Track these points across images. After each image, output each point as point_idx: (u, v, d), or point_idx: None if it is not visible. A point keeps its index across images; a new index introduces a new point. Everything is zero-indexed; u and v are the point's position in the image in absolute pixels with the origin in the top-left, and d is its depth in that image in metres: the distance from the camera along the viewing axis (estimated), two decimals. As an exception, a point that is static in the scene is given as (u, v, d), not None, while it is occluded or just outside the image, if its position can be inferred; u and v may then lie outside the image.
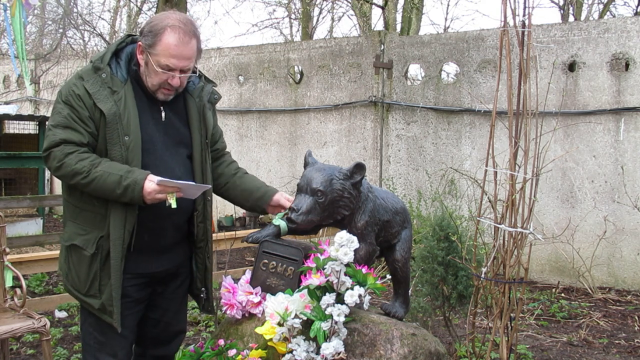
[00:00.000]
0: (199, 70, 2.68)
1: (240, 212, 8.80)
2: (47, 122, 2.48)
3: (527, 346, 4.57)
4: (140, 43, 2.42)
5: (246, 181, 2.78)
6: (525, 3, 2.95)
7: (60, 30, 13.19)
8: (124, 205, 2.37)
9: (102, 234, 2.40)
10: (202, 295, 2.69)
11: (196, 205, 2.57)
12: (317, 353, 2.23)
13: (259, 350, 2.34)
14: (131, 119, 2.38)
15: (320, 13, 17.27)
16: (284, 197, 2.69)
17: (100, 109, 2.35)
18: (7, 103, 11.03)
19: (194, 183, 2.46)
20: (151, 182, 2.30)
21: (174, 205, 2.34)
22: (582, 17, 13.87)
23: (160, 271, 2.58)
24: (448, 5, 28.01)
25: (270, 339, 2.28)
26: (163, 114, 2.52)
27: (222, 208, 8.95)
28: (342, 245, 2.29)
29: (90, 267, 2.43)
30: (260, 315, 2.45)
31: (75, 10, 13.43)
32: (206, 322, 5.00)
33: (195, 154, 2.58)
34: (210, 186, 2.56)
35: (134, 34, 2.59)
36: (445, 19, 29.19)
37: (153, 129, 2.47)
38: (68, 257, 2.52)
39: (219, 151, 2.81)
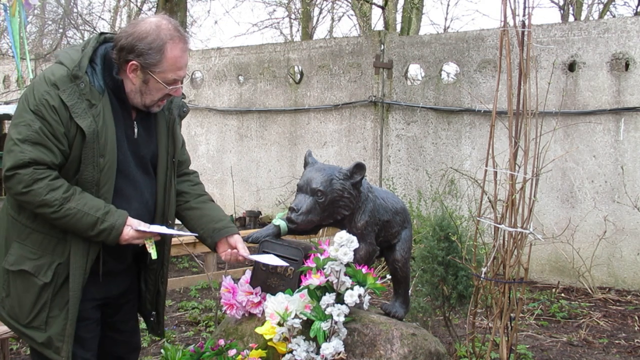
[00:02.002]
0: None
1: (240, 212, 8.80)
2: (10, 131, 2.14)
3: (527, 346, 4.57)
4: (134, 62, 2.18)
5: (211, 208, 2.52)
6: (525, 3, 2.96)
7: (60, 30, 13.19)
8: None
9: (60, 260, 2.18)
10: (152, 319, 2.54)
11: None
12: (317, 353, 2.23)
13: (259, 350, 2.34)
14: (108, 138, 2.17)
15: (320, 13, 17.30)
16: (242, 243, 2.43)
17: (77, 125, 2.11)
18: (7, 103, 11.03)
19: (175, 231, 2.33)
20: (129, 228, 2.17)
21: (154, 256, 2.24)
22: (582, 17, 13.88)
23: (115, 294, 2.42)
24: (448, 5, 28.05)
25: (270, 339, 2.28)
26: (136, 130, 2.31)
27: (222, 208, 8.95)
28: (342, 245, 2.29)
29: (39, 297, 2.18)
30: (260, 315, 2.45)
31: (75, 10, 13.43)
32: (206, 322, 5.00)
33: (159, 173, 2.38)
34: (195, 235, 2.38)
35: (106, 32, 2.35)
36: (445, 19, 29.22)
37: (126, 147, 2.27)
38: (10, 281, 2.22)
39: (182, 164, 2.55)
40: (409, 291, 2.82)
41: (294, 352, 2.24)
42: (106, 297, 2.37)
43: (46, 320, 2.19)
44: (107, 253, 2.27)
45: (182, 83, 2.30)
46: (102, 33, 2.32)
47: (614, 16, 13.24)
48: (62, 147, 2.12)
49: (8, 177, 2.10)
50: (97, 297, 2.32)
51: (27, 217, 2.20)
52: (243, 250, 2.41)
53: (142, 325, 2.73)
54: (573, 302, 5.91)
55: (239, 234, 2.46)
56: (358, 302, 2.30)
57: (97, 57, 2.23)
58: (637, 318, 5.42)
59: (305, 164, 2.55)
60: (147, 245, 2.24)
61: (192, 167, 2.66)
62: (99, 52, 2.24)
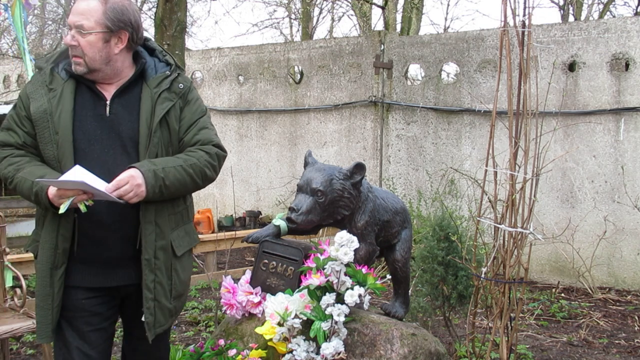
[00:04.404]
0: (173, 59, 2.42)
1: (240, 212, 8.80)
2: None
3: (527, 346, 4.57)
4: None
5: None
6: (525, 3, 2.96)
7: (60, 30, 13.19)
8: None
9: (38, 236, 2.33)
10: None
11: (142, 214, 2.25)
12: (317, 353, 2.23)
13: (259, 350, 2.35)
14: (62, 116, 2.24)
15: (320, 13, 17.30)
16: (128, 174, 2.16)
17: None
18: (7, 103, 11.02)
19: (80, 180, 2.08)
20: (52, 187, 2.16)
21: (83, 209, 2.15)
22: (582, 17, 13.88)
23: (118, 287, 2.33)
24: (448, 5, 28.07)
25: (270, 339, 2.28)
26: (107, 109, 2.29)
27: (222, 208, 8.96)
28: (342, 245, 2.29)
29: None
30: (260, 315, 2.45)
31: (75, 10, 13.42)
32: (206, 322, 5.00)
33: (140, 150, 2.28)
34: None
35: None
36: (445, 19, 29.22)
37: (94, 125, 2.27)
38: None
39: (198, 144, 2.39)
40: (409, 291, 2.82)
41: (294, 352, 2.24)
42: (102, 287, 2.30)
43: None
44: (82, 234, 2.25)
45: (80, 34, 2.21)
46: None
47: (614, 16, 13.24)
48: (25, 129, 2.29)
49: None
50: (89, 287, 2.28)
51: None
52: (116, 182, 2.14)
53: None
54: (573, 302, 5.91)
55: (136, 168, 2.18)
56: (358, 302, 2.30)
57: None
58: (637, 318, 5.42)
59: (305, 164, 2.55)
60: (77, 204, 2.11)
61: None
62: None
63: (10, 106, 9.47)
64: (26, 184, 2.20)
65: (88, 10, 2.21)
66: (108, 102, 2.30)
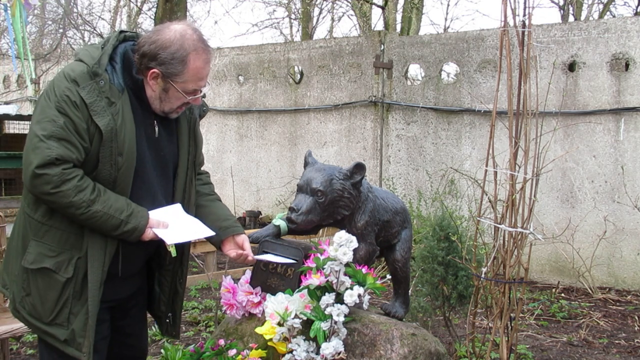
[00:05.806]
0: None
1: (240, 212, 8.80)
2: (33, 128, 2.09)
3: (527, 346, 4.57)
4: (156, 70, 2.16)
5: (218, 206, 2.51)
6: (525, 3, 2.96)
7: (60, 30, 13.20)
8: None
9: (79, 255, 2.15)
10: (167, 320, 2.51)
11: None
12: (317, 353, 2.23)
13: (259, 350, 2.35)
14: (127, 137, 2.13)
15: (320, 13, 17.31)
16: (249, 243, 2.43)
17: (96, 123, 2.07)
18: (7, 103, 11.03)
19: (192, 237, 2.30)
20: (150, 230, 2.19)
21: (174, 254, 2.23)
22: (582, 17, 13.88)
23: (125, 297, 2.40)
24: (448, 5, 28.02)
25: (270, 339, 2.28)
26: (157, 130, 2.28)
27: (222, 208, 8.95)
28: (341, 245, 2.29)
29: (61, 293, 2.15)
30: (260, 315, 2.45)
31: (75, 10, 13.44)
32: (206, 322, 5.00)
33: (180, 173, 2.37)
34: (213, 233, 2.34)
35: (126, 30, 2.31)
36: (445, 19, 29.20)
37: (145, 146, 2.23)
38: (30, 280, 2.18)
39: (198, 165, 2.55)
40: (409, 291, 2.82)
41: (294, 352, 2.24)
42: (115, 299, 2.33)
43: (68, 317, 2.16)
44: (120, 254, 2.24)
45: (201, 92, 2.28)
46: (122, 31, 2.29)
47: (614, 16, 13.23)
48: (84, 144, 2.08)
49: (36, 175, 2.04)
50: (107, 299, 2.27)
51: (43, 214, 2.16)
52: (250, 250, 2.41)
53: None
54: (573, 302, 5.91)
55: (245, 233, 2.44)
56: (357, 302, 2.30)
57: (117, 56, 2.20)
58: (637, 318, 5.42)
59: (305, 164, 2.55)
60: (167, 244, 2.22)
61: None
62: (118, 50, 2.21)
63: (10, 106, 9.46)
64: (111, 221, 2.10)
65: (209, 70, 2.31)
66: (155, 122, 2.28)
